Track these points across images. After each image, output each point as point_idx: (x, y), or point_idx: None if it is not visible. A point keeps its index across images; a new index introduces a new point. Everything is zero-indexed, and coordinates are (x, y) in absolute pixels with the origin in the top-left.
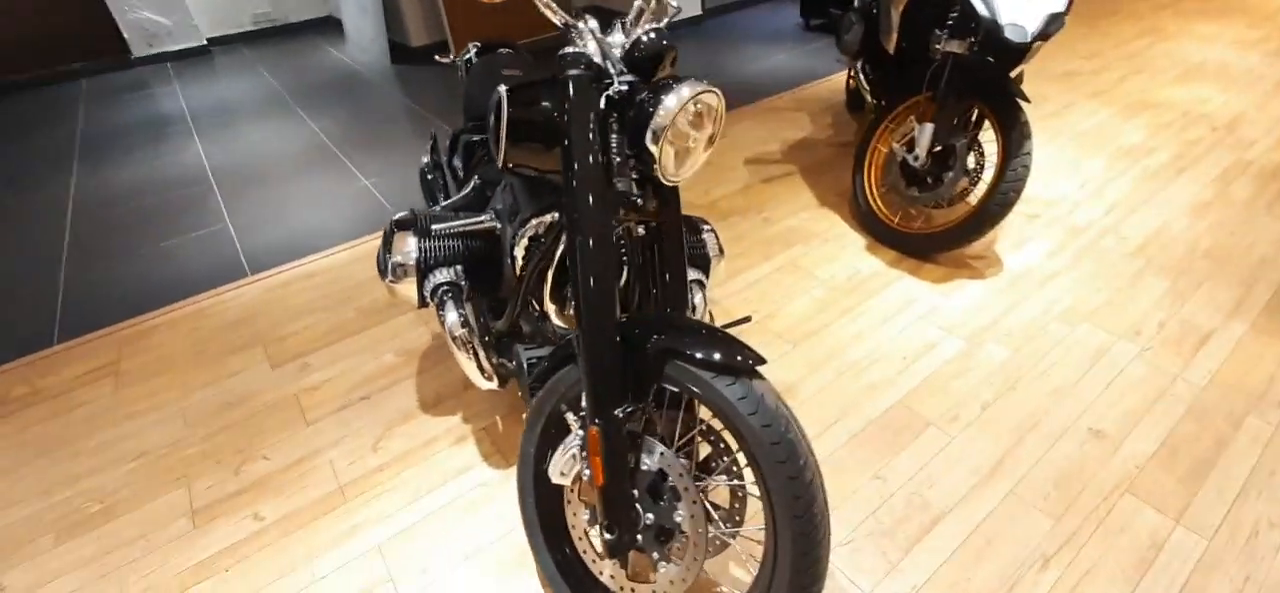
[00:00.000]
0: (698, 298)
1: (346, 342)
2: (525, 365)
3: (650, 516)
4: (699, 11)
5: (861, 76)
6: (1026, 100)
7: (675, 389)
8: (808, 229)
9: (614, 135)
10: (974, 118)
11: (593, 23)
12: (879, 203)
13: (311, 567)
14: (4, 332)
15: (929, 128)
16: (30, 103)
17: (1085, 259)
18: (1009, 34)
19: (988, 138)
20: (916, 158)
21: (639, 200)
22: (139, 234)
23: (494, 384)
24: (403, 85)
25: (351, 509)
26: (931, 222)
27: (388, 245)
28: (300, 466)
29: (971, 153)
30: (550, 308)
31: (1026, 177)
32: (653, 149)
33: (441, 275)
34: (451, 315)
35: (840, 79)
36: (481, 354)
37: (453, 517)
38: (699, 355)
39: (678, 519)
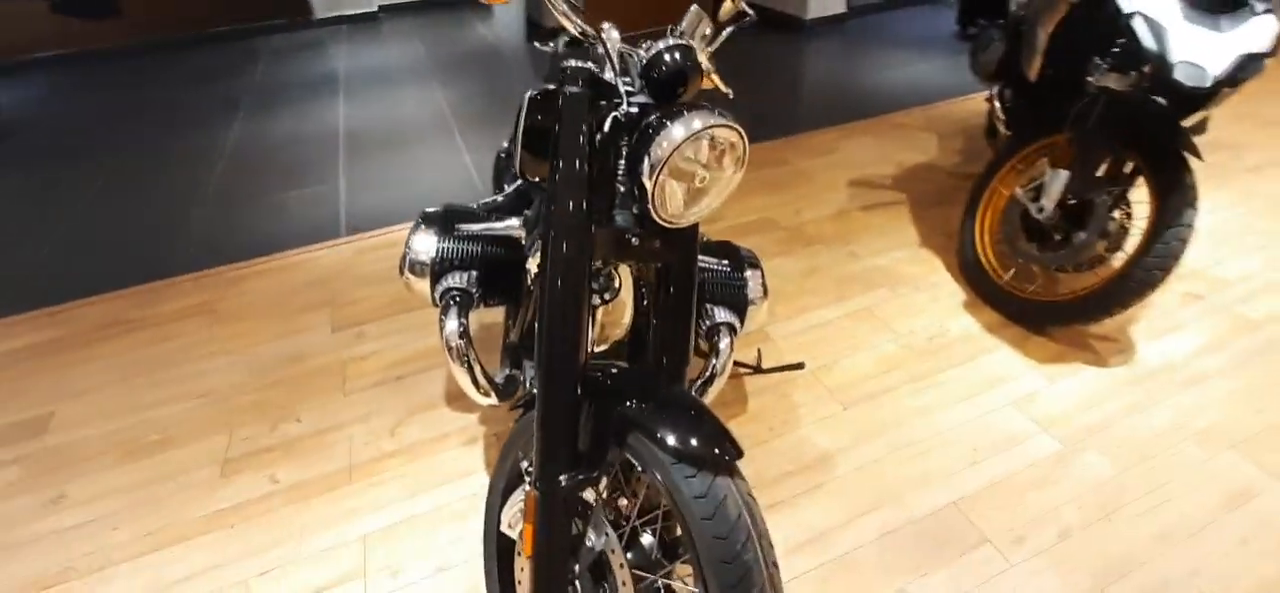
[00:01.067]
0: (724, 343)
1: (403, 317)
2: (526, 386)
3: None
4: (843, 9)
5: (997, 103)
6: (1198, 157)
7: (638, 464)
8: (897, 271)
9: (622, 161)
10: (1125, 170)
11: (613, 33)
12: (990, 255)
13: (300, 543)
14: (135, 259)
15: (1063, 175)
16: (219, 55)
17: (1252, 365)
18: (1182, 75)
19: (1141, 197)
20: (1042, 209)
21: (634, 239)
22: (267, 184)
23: (492, 400)
24: (534, 64)
25: (354, 491)
26: (1053, 287)
27: (410, 238)
28: (324, 435)
29: (1117, 211)
30: None
31: (1181, 253)
32: (647, 183)
33: (453, 279)
34: (451, 324)
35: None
36: (477, 369)
37: (439, 523)
38: (669, 440)
39: None
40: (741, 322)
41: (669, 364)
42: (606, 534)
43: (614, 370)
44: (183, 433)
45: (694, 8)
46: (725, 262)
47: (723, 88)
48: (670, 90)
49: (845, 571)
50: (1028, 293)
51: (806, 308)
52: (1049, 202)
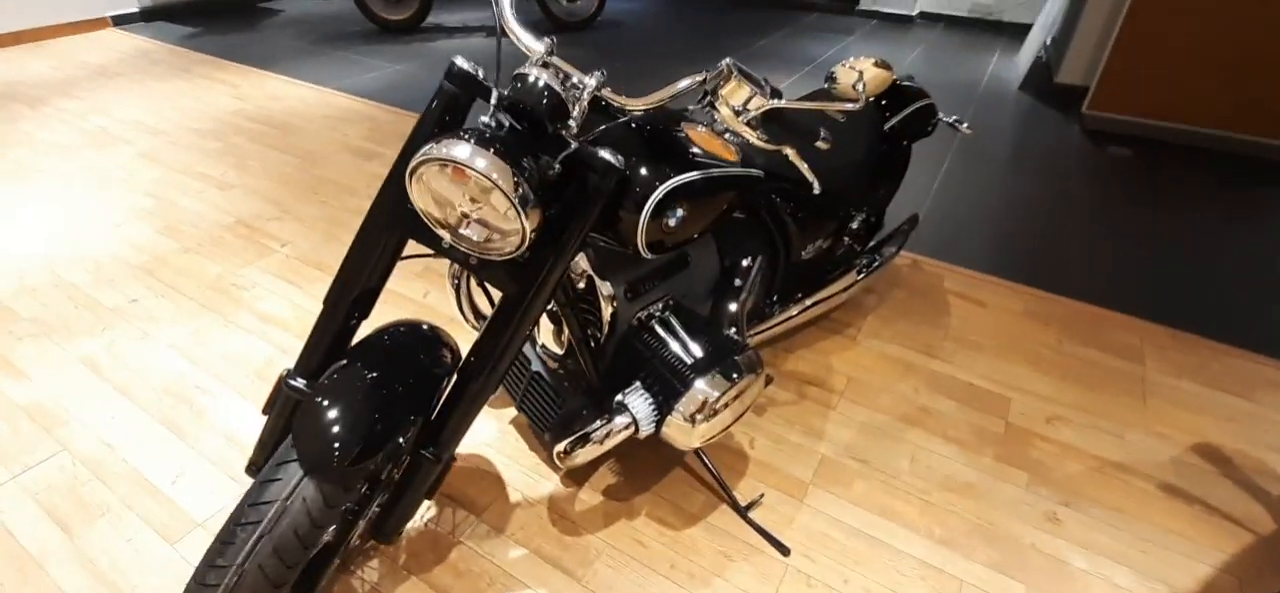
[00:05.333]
0: (617, 421)
1: None
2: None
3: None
4: None
5: None
6: None
7: None
8: (1079, 584)
9: None
10: None
11: (538, 47)
12: None
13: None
14: None
15: None
16: (768, 15)
17: None
18: None
19: None
20: None
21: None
22: None
23: None
24: (1013, 125)
25: None
26: None
27: None
28: None
29: None
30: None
31: None
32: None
33: None
34: None
35: None
36: None
37: None
38: (300, 416)
39: None
40: (657, 425)
41: (467, 372)
42: None
43: (407, 339)
44: None
45: (727, 63)
46: (696, 355)
47: (808, 176)
48: (526, 118)
49: None
50: None
51: (897, 516)
52: None
